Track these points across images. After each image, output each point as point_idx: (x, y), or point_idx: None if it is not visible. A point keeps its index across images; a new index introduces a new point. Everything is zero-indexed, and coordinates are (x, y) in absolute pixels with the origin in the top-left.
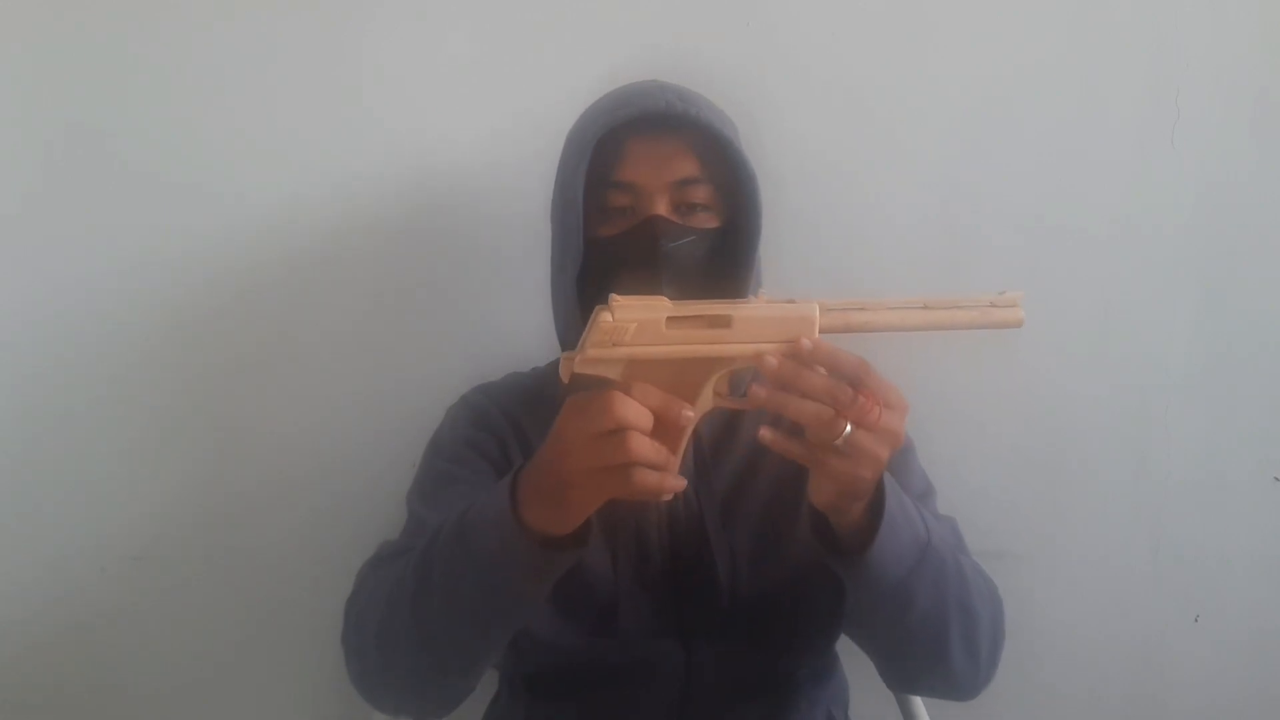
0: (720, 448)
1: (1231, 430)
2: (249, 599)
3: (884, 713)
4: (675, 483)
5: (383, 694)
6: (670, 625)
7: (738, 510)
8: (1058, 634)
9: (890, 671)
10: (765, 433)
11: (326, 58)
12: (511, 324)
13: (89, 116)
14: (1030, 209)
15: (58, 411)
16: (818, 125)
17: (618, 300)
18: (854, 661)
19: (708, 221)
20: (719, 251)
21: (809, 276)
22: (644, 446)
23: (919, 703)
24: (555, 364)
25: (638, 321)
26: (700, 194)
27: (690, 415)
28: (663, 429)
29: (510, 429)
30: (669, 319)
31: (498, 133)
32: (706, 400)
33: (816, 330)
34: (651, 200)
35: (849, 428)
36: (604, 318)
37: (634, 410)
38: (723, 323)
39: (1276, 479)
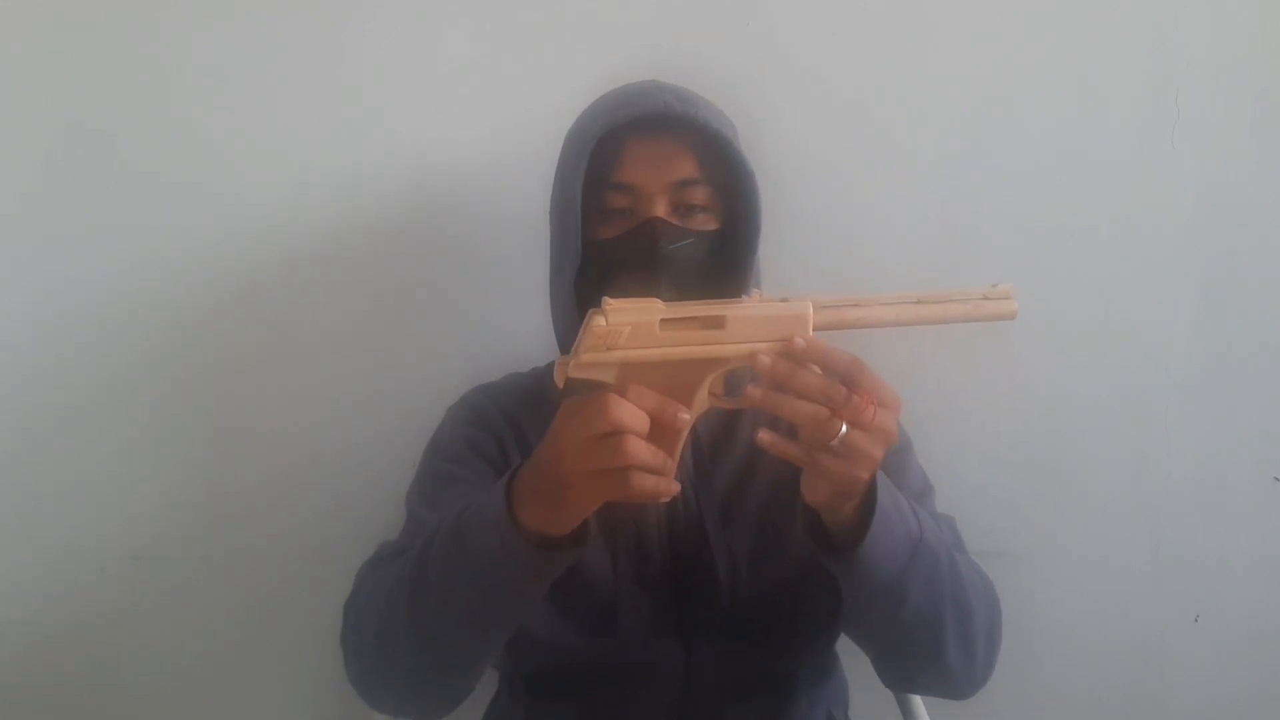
0: (719, 448)
1: (1231, 430)
2: (249, 599)
3: (884, 713)
4: (671, 486)
5: (382, 694)
6: (670, 625)
7: (737, 510)
8: (1058, 634)
9: (887, 670)
10: (764, 436)
11: (326, 58)
12: (511, 324)
13: (89, 116)
14: (1030, 209)
15: (58, 411)
16: (818, 125)
17: (611, 303)
18: (854, 661)
19: (707, 223)
20: (718, 253)
21: (808, 277)
22: (641, 450)
23: (919, 702)
24: (554, 365)
25: (631, 325)
26: (699, 195)
27: (686, 417)
28: (659, 431)
29: (510, 429)
30: (663, 321)
31: (498, 133)
32: (702, 401)
33: (810, 328)
34: (651, 202)
35: (844, 428)
36: (597, 321)
37: (630, 413)
38: (717, 323)
39: (1276, 479)
